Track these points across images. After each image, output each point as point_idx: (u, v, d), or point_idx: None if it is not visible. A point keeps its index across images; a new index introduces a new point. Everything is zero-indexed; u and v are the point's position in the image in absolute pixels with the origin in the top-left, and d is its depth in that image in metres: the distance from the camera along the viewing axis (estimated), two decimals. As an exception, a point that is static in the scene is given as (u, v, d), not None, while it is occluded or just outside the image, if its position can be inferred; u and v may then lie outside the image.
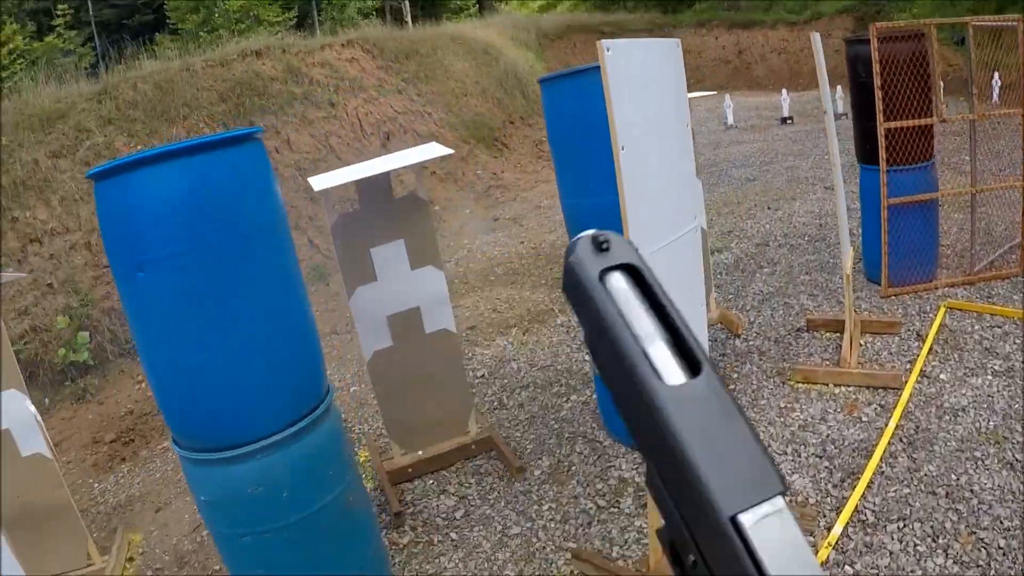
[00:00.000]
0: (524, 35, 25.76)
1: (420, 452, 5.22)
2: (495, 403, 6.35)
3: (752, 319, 7.14)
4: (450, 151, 4.91)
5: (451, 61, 18.00)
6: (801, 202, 11.22)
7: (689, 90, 4.22)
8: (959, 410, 5.18)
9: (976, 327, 6.34)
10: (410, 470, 5.23)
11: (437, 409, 5.14)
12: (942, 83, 17.20)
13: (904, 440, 4.93)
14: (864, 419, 5.23)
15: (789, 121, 17.71)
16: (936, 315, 6.59)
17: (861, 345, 6.26)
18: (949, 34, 18.80)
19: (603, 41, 2.86)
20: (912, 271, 7.11)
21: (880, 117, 6.47)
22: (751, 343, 6.64)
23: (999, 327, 6.28)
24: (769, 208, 11.02)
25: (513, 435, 5.73)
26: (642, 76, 3.19)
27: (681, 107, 3.70)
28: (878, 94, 6.41)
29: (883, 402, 5.41)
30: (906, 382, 5.57)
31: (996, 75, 12.81)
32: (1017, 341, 6.02)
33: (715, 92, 7.86)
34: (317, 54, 14.48)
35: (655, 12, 32.41)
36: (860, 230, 7.84)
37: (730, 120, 18.20)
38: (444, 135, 15.09)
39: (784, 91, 18.41)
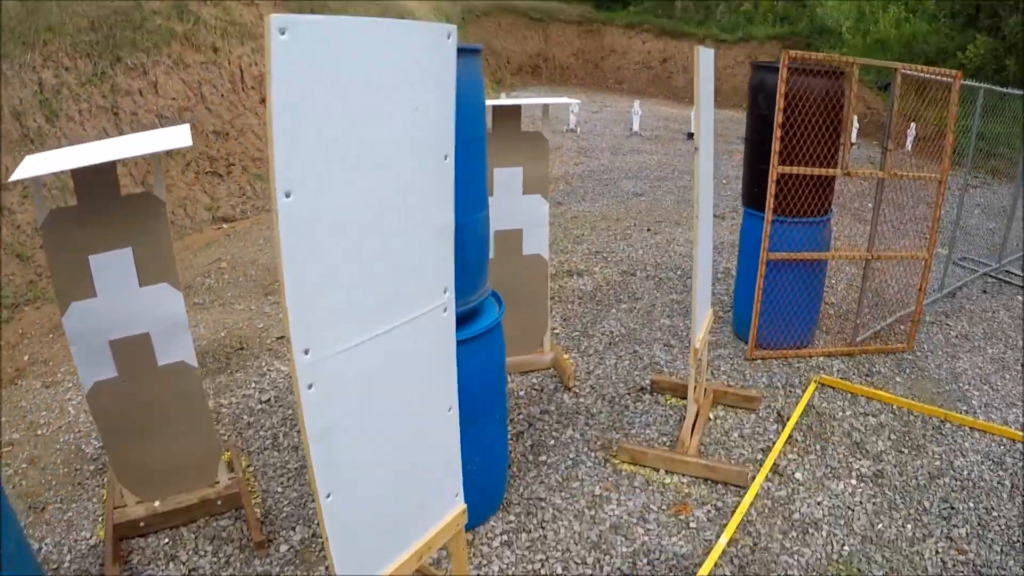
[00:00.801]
0: (448, 6, 24.66)
1: (156, 504, 4.22)
2: (268, 441, 5.14)
3: (591, 367, 6.14)
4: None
5: None
6: (684, 228, 10.28)
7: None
8: (811, 524, 4.29)
9: (847, 412, 5.48)
10: (142, 524, 4.13)
11: (177, 454, 4.21)
12: (856, 124, 16.82)
13: (736, 562, 4.00)
14: (693, 525, 4.28)
15: (693, 137, 16.91)
16: (804, 392, 5.71)
17: (710, 420, 5.33)
18: (874, 78, 18.31)
19: (275, 17, 1.80)
20: (785, 334, 6.23)
21: (774, 159, 5.53)
22: (582, 400, 5.64)
23: (873, 416, 5.44)
24: (649, 230, 10.12)
25: (274, 489, 4.58)
26: (352, 81, 2.14)
27: (437, 133, 2.57)
28: (776, 132, 5.46)
29: (721, 503, 4.47)
30: (753, 479, 4.65)
31: (913, 125, 12.24)
32: (892, 437, 5.18)
33: (577, 100, 6.75)
34: (214, -10, 13.06)
35: (588, 6, 31.48)
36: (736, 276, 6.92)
37: (635, 127, 17.25)
38: None
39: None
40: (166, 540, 4.10)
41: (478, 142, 3.61)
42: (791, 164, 5.61)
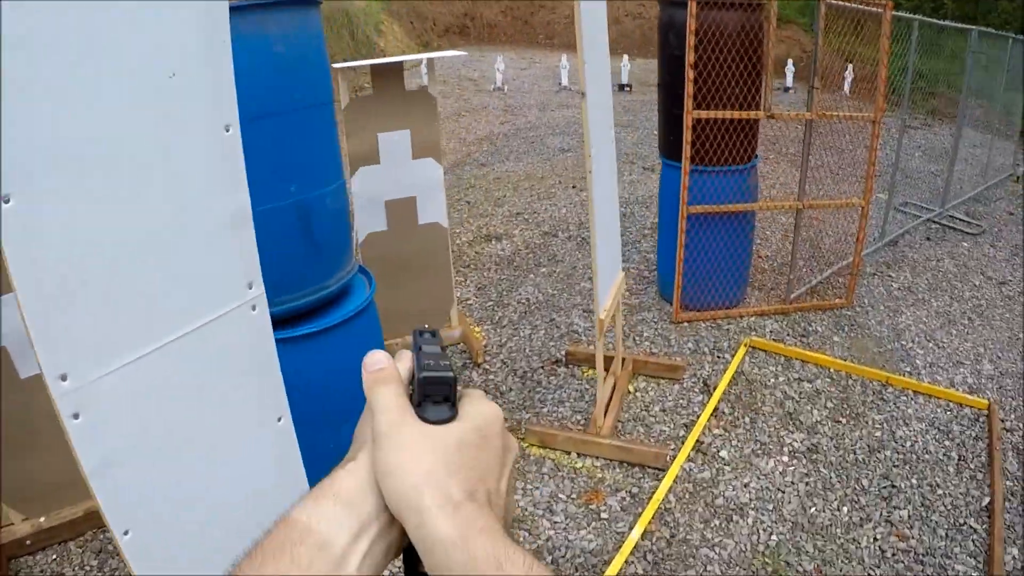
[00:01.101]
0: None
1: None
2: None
3: (503, 339, 5.60)
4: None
5: None
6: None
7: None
8: (736, 510, 3.83)
9: (780, 378, 5.02)
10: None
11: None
12: (792, 67, 16.37)
13: (650, 557, 3.53)
14: (604, 516, 3.80)
15: (627, 89, 16.38)
16: (733, 357, 5.23)
17: (629, 394, 4.83)
18: (810, 19, 17.84)
19: None
20: (713, 294, 5.74)
21: (688, 103, 4.99)
22: (491, 377, 5.10)
23: (808, 381, 4.99)
24: (574, 187, 9.48)
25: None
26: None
27: (209, 101, 2.03)
28: (688, 74, 4.92)
29: (637, 488, 3.99)
30: (672, 461, 4.16)
31: (850, 66, 11.80)
32: (829, 405, 4.73)
33: (463, 52, 6.14)
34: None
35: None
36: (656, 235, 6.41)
37: (564, 81, 16.59)
38: None
39: (625, 57, 17.05)
40: None
41: (322, 108, 3.11)
42: (707, 108, 5.07)
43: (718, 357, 5.27)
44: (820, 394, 4.87)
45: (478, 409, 0.64)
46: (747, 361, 5.22)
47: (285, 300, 3.06)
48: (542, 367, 5.17)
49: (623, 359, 4.89)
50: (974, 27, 8.99)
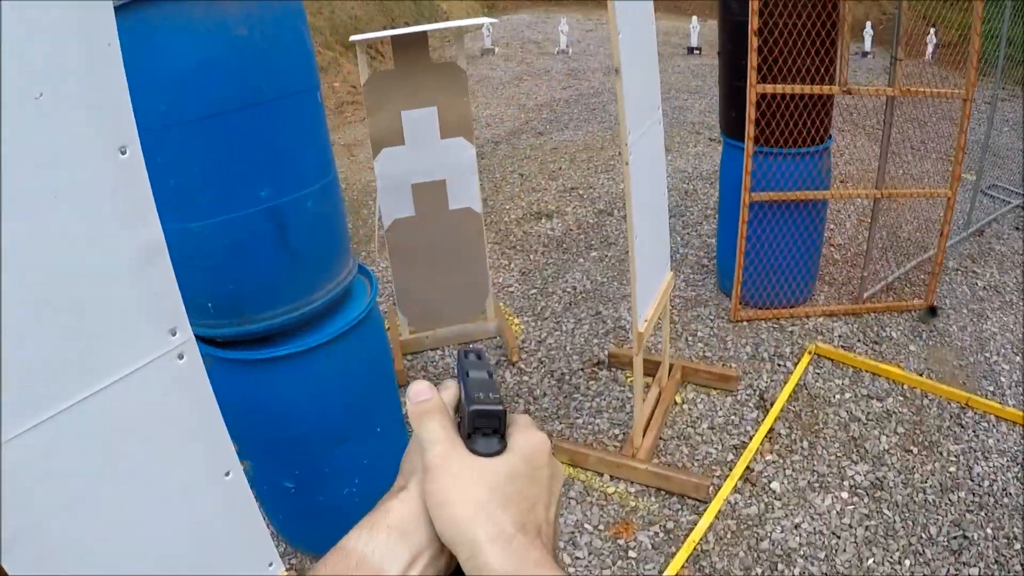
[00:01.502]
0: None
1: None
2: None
3: (543, 335, 5.08)
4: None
5: None
6: (676, 155, 8.98)
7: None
8: (781, 556, 3.34)
9: (847, 394, 4.44)
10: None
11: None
12: (871, 31, 15.38)
13: (683, 614, 3.02)
14: (632, 554, 3.31)
15: (696, 52, 15.59)
16: (796, 365, 4.66)
17: (675, 405, 4.30)
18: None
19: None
20: (777, 290, 5.15)
21: (751, 75, 4.38)
22: (526, 379, 4.60)
23: (879, 399, 4.40)
24: None
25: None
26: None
27: (93, 122, 1.58)
28: (752, 41, 4.30)
29: (672, 523, 3.49)
30: (716, 493, 3.63)
31: (933, 31, 10.93)
32: (900, 430, 4.15)
33: (494, 19, 5.54)
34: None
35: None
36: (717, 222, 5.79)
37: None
38: None
39: (694, 18, 16.24)
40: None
41: (299, 97, 2.58)
42: (774, 81, 4.46)
43: (778, 365, 4.70)
44: (891, 416, 4.28)
45: (527, 439, 0.65)
46: (810, 371, 4.64)
47: (260, 318, 2.58)
48: (582, 369, 4.66)
49: (670, 365, 4.35)
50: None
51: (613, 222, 6.96)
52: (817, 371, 4.65)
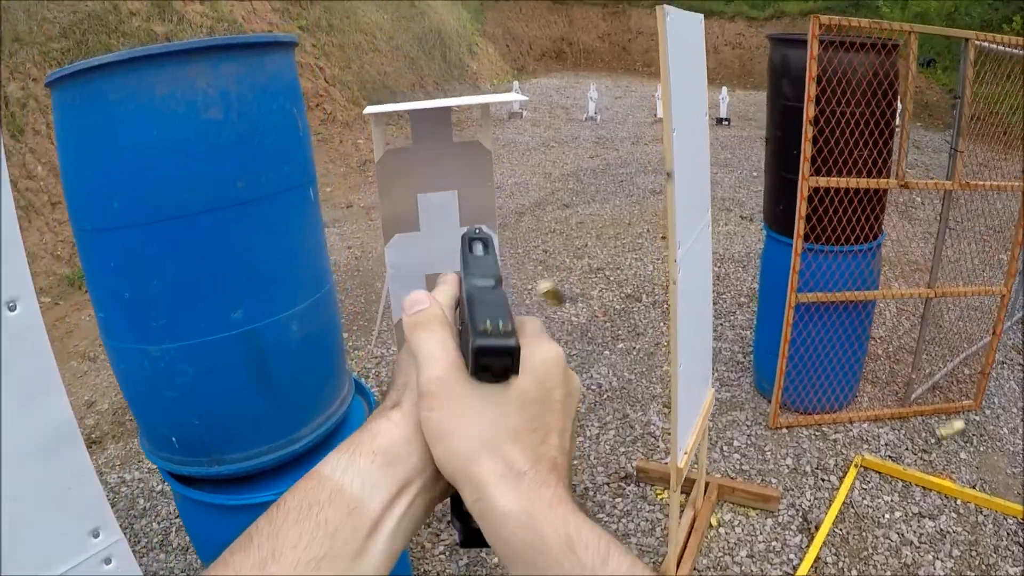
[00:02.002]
0: (466, -8, 23.24)
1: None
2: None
3: (566, 443, 4.65)
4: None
5: (365, 9, 15.69)
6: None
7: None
8: None
9: (896, 513, 4.00)
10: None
11: None
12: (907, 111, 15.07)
13: None
14: None
15: (726, 123, 15.30)
16: (842, 480, 4.21)
17: (711, 528, 3.86)
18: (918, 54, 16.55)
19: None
20: (820, 394, 4.73)
21: (804, 166, 3.98)
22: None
23: (931, 517, 3.96)
24: (663, 237, 8.17)
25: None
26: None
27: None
28: (807, 131, 3.91)
29: None
30: (759, 643, 3.19)
31: (957, 102, 10.57)
32: (956, 553, 3.73)
33: (524, 97, 5.10)
34: (201, -14, 12.09)
35: (623, -15, 29.90)
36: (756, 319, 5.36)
37: (659, 113, 15.69)
38: (332, 95, 12.92)
39: (724, 89, 15.97)
40: None
41: (286, 195, 2.15)
42: (828, 174, 4.07)
43: (822, 480, 4.26)
44: (944, 537, 3.83)
45: (540, 355, 0.57)
46: (856, 487, 4.19)
47: (232, 460, 2.15)
48: (607, 483, 4.22)
49: (706, 484, 3.91)
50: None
51: (642, 309, 6.54)
52: (864, 487, 4.21)
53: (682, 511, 3.76)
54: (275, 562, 0.48)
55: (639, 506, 4.04)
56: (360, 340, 5.85)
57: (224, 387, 2.05)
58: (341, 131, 12.33)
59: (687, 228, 2.79)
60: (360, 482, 0.52)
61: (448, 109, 3.77)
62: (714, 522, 3.92)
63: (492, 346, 0.52)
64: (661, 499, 4.05)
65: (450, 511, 0.58)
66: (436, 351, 0.55)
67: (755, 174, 11.15)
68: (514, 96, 4.24)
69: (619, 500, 4.08)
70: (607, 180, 11.04)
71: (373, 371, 5.40)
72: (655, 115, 15.78)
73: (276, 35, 2.14)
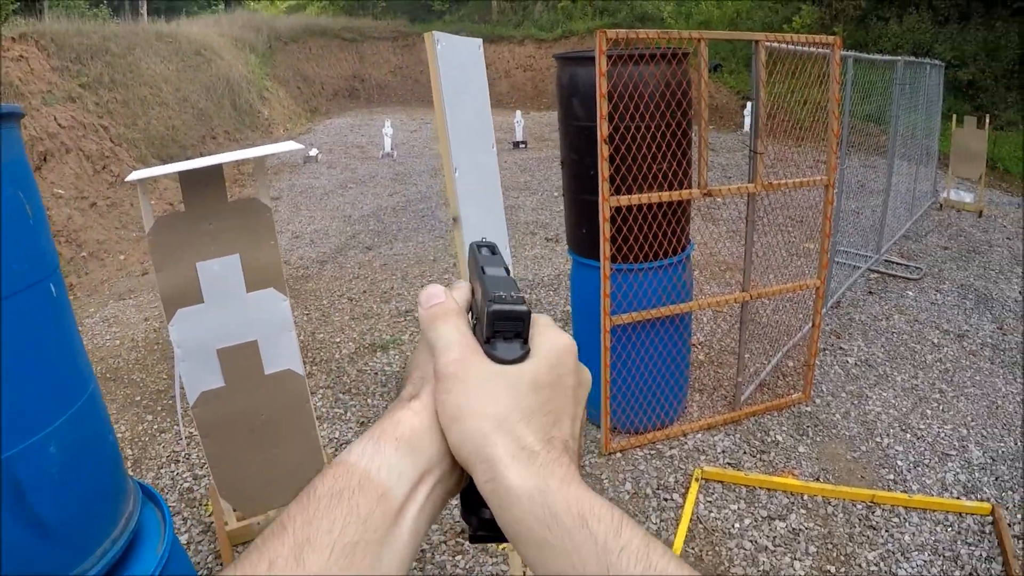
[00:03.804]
0: (253, 36, 22.89)
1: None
2: None
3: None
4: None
5: (150, 63, 15.19)
6: (512, 260, 8.46)
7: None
8: None
9: (746, 520, 3.97)
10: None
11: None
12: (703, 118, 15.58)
13: None
14: None
15: (522, 146, 15.45)
16: (685, 497, 4.12)
17: None
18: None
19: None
20: (649, 412, 4.65)
21: (603, 187, 3.87)
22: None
23: (780, 518, 3.95)
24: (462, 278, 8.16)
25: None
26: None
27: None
28: (603, 150, 3.80)
29: None
30: None
31: (749, 104, 11.04)
32: (812, 549, 3.70)
33: (300, 146, 4.76)
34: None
35: (402, 20, 30.24)
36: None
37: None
38: (118, 154, 12.14)
39: (518, 112, 16.14)
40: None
41: (15, 299, 1.75)
42: (629, 191, 3.98)
43: (665, 500, 4.15)
44: (798, 535, 3.81)
45: (551, 342, 0.58)
46: (701, 502, 4.11)
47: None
48: (444, 542, 3.97)
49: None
50: (899, 57, 8.27)
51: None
52: (708, 499, 4.14)
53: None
54: (311, 548, 0.47)
55: (481, 560, 3.81)
56: (166, 422, 5.38)
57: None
58: (131, 193, 11.60)
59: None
60: (387, 469, 0.51)
61: (219, 167, 3.46)
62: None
63: (505, 310, 0.54)
64: (503, 549, 3.84)
65: (460, 506, 0.58)
66: (453, 337, 0.56)
67: (556, 195, 11.22)
68: (289, 146, 3.88)
69: (459, 557, 3.84)
70: (408, 217, 10.84)
71: (183, 453, 4.96)
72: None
73: (-8, 107, 1.78)
